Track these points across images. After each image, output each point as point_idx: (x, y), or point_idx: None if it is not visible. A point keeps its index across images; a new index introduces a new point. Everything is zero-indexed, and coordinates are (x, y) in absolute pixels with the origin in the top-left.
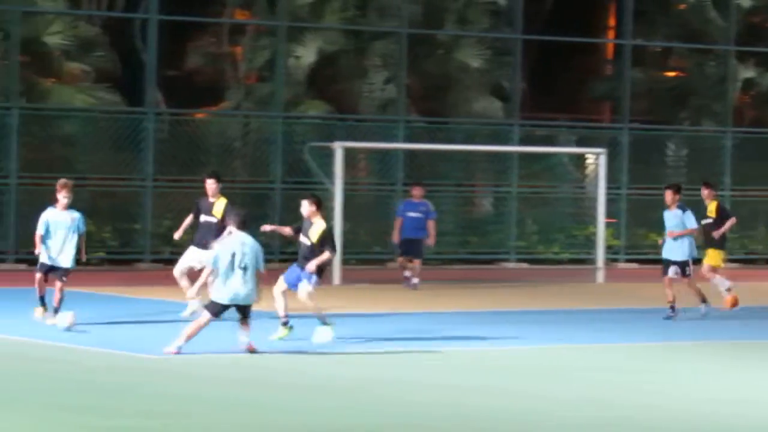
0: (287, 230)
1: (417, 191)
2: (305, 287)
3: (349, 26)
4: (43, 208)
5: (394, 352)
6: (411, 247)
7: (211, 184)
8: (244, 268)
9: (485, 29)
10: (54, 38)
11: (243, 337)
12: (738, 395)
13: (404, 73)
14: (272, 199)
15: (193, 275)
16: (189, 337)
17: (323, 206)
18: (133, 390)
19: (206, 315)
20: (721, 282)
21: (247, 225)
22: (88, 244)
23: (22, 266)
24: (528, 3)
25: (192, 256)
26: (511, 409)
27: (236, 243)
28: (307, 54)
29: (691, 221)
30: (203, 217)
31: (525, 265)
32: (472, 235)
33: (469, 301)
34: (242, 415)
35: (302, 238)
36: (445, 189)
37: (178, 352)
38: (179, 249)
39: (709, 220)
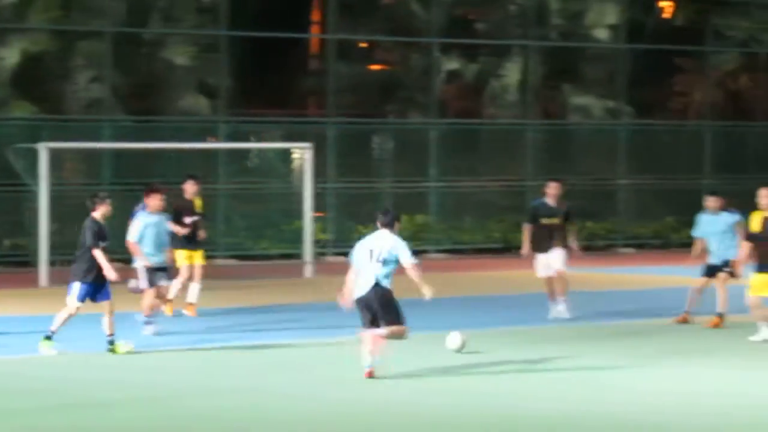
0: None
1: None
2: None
3: (55, 26)
4: None
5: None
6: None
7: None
8: None
9: (193, 26)
10: None
11: None
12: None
13: (110, 73)
14: None
15: None
16: None
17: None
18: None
19: None
20: None
21: None
22: None
23: None
24: None
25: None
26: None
27: None
28: (11, 55)
29: None
30: None
31: (234, 262)
32: None
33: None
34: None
35: None
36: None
37: None
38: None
39: None
